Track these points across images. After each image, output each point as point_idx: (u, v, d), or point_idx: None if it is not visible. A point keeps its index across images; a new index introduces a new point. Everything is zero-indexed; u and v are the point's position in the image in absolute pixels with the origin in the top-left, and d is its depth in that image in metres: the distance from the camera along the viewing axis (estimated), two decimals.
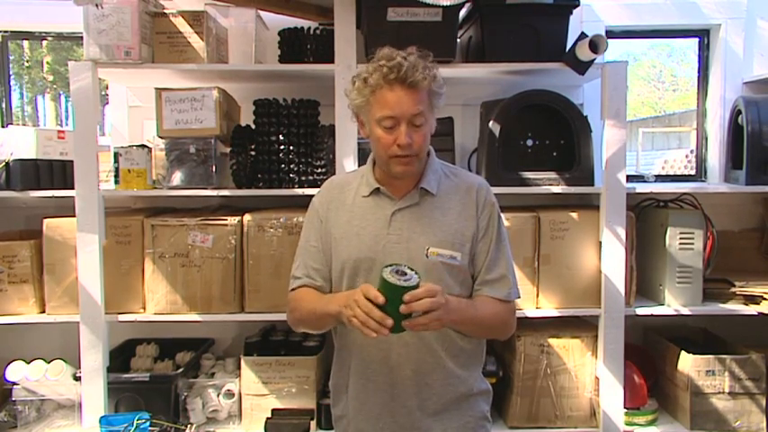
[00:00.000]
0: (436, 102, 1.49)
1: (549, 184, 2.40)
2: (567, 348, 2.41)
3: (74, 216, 2.25)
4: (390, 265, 1.34)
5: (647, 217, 2.58)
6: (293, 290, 1.62)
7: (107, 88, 2.87)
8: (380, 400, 1.54)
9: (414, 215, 1.53)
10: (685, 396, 2.40)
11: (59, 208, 2.48)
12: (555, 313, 2.40)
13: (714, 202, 2.62)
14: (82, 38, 2.23)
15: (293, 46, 2.46)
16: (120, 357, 2.52)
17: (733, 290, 2.50)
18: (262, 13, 2.50)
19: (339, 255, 1.55)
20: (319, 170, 2.39)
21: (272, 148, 2.38)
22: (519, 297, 1.61)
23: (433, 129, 1.53)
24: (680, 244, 2.43)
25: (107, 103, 2.91)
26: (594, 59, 2.25)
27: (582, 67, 2.28)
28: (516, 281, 1.61)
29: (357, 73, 1.51)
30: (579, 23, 2.70)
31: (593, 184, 2.43)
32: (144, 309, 2.38)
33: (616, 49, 3.58)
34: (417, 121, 1.45)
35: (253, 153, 2.41)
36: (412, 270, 1.33)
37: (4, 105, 2.94)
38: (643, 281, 2.55)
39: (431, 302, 1.31)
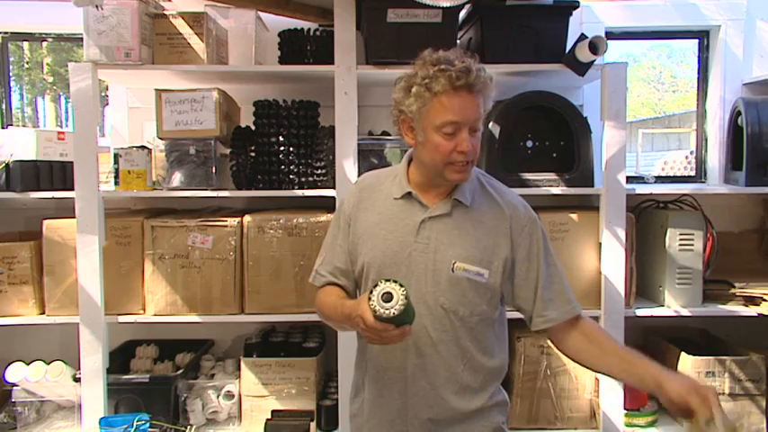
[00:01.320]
0: (488, 106, 1.45)
1: (549, 185, 2.40)
2: None
3: (74, 217, 2.25)
4: (377, 286, 1.28)
5: (646, 218, 2.58)
6: (319, 287, 1.60)
7: (107, 89, 2.87)
8: (395, 407, 1.52)
9: (444, 226, 1.48)
10: None
11: (59, 209, 2.48)
12: None
13: (714, 203, 2.62)
14: (82, 39, 2.23)
15: (293, 47, 2.46)
16: (119, 359, 2.52)
17: (733, 291, 2.50)
18: (262, 14, 2.50)
19: (363, 254, 1.51)
20: (319, 171, 2.39)
21: (271, 150, 2.38)
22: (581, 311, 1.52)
23: None
24: (680, 245, 2.43)
25: (107, 104, 2.91)
26: (594, 61, 2.25)
27: (582, 69, 2.28)
28: (573, 296, 1.52)
29: (405, 78, 1.45)
30: (579, 25, 2.70)
31: (592, 186, 2.43)
32: (144, 310, 2.38)
33: (616, 51, 3.60)
34: (477, 125, 1.42)
35: (253, 154, 2.41)
36: (399, 286, 1.27)
37: (3, 106, 2.94)
38: (643, 282, 2.55)
39: None
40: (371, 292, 1.27)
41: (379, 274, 1.47)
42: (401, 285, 1.27)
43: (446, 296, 1.45)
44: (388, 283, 1.27)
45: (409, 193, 1.50)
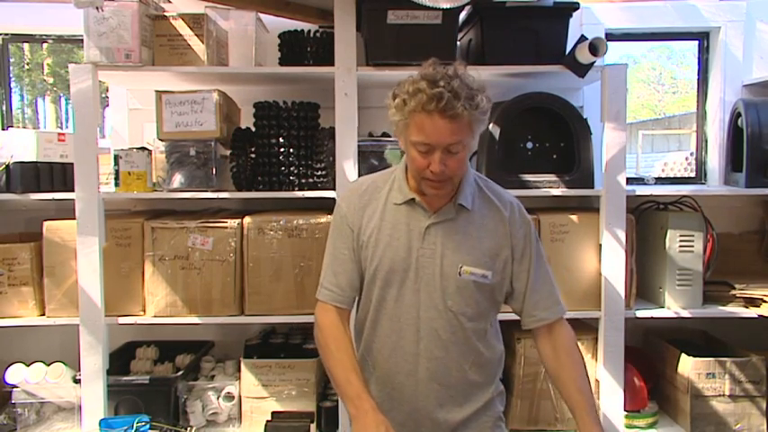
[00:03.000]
0: (478, 127, 1.41)
1: (549, 186, 2.40)
2: None
3: (74, 219, 2.25)
4: None
5: (647, 219, 2.58)
6: (322, 302, 1.56)
7: (107, 91, 2.87)
8: (406, 410, 1.54)
9: (448, 231, 1.49)
10: (685, 399, 2.40)
11: (59, 210, 2.48)
12: None
13: (714, 204, 2.62)
14: (82, 40, 2.23)
15: (293, 48, 2.46)
16: (119, 360, 2.52)
17: (733, 292, 2.50)
18: (262, 15, 2.50)
19: (370, 261, 1.51)
20: (319, 173, 2.39)
21: (271, 151, 2.38)
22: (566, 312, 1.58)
23: (473, 149, 1.48)
24: (680, 246, 2.43)
25: (107, 105, 2.92)
26: (594, 62, 2.25)
27: (582, 70, 2.28)
28: (560, 296, 1.58)
29: (399, 84, 1.42)
30: (579, 26, 2.70)
31: (592, 187, 2.43)
32: (144, 311, 2.38)
33: (616, 52, 3.60)
34: (454, 149, 1.39)
35: (253, 155, 2.41)
36: None
37: (4, 108, 2.94)
38: (643, 283, 2.55)
39: None
40: None
41: (387, 280, 1.50)
42: None
43: (454, 299, 1.48)
44: None
45: (412, 200, 1.51)
